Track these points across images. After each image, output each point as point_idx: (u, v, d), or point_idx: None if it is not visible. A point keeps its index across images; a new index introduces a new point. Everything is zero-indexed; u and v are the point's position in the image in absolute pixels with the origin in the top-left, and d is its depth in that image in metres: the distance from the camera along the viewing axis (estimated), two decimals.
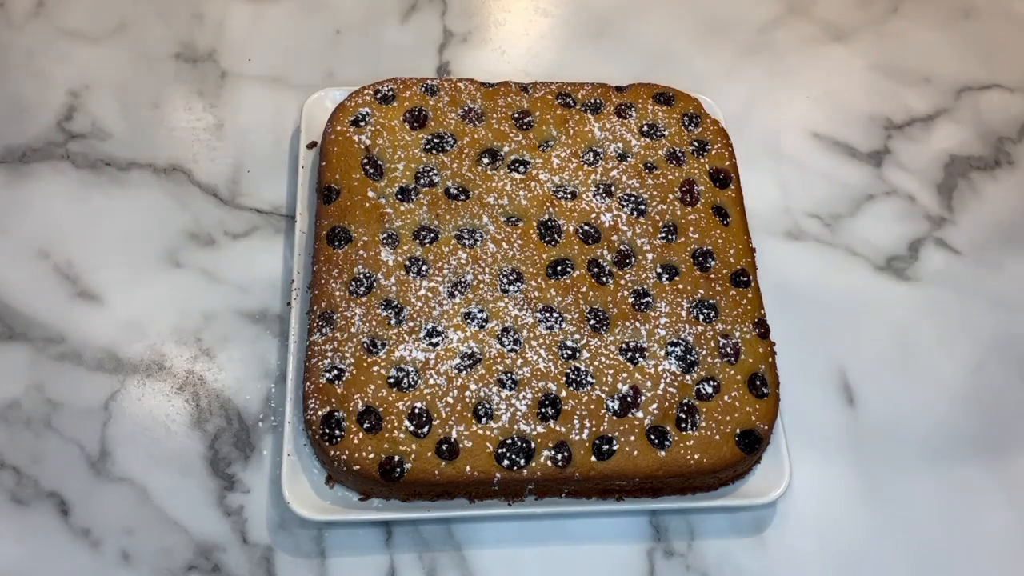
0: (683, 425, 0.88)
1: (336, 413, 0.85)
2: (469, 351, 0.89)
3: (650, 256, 0.96)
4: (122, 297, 0.98)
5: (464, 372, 0.88)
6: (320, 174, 0.99)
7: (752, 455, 0.88)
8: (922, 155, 1.18)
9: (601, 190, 1.00)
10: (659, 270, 0.95)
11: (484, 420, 0.86)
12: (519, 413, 0.86)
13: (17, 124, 1.08)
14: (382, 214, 0.96)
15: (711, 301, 0.94)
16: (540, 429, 0.86)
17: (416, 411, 0.86)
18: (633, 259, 0.96)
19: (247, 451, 0.92)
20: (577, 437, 0.86)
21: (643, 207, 0.99)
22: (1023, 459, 0.98)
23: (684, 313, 0.93)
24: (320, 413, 0.86)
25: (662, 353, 0.91)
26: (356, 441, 0.84)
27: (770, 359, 0.92)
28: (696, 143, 1.04)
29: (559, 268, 0.95)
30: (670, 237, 0.97)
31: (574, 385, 0.88)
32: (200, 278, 1.00)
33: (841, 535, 0.93)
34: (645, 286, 0.94)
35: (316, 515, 0.85)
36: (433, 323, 0.90)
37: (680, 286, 0.94)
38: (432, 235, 0.95)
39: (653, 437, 0.87)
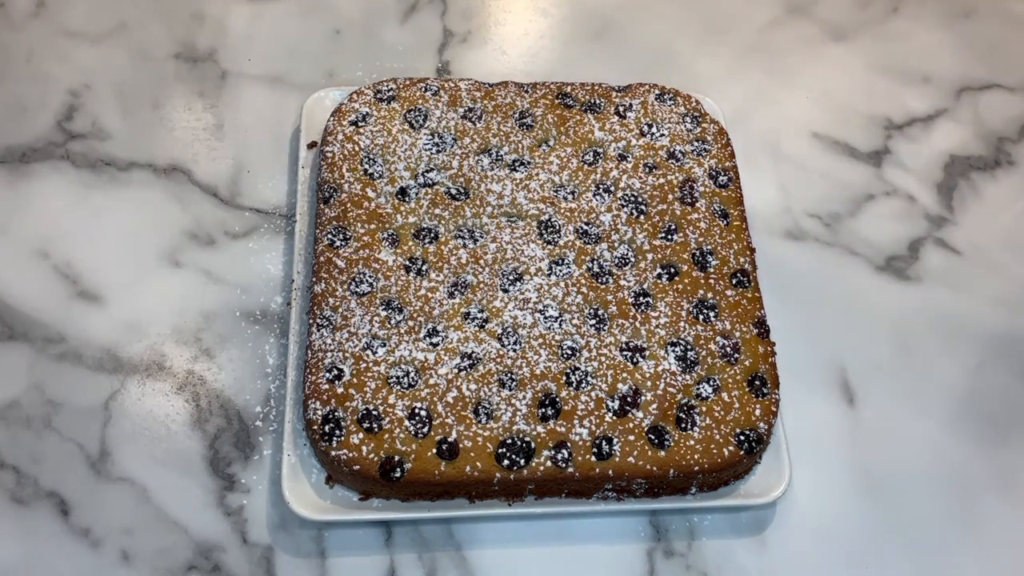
0: (683, 425, 0.88)
1: (336, 413, 0.85)
2: (469, 351, 0.89)
3: (650, 256, 0.96)
4: (122, 297, 0.98)
5: (464, 372, 0.88)
6: (320, 174, 0.99)
7: (752, 455, 0.88)
8: (922, 155, 1.18)
9: (601, 190, 1.00)
10: (659, 270, 0.95)
11: (484, 420, 0.86)
12: (519, 413, 0.86)
13: (17, 124, 1.08)
14: (382, 214, 0.96)
15: (711, 301, 0.94)
16: (540, 429, 0.86)
17: (416, 411, 0.86)
18: (633, 259, 0.96)
19: (247, 451, 0.92)
20: (577, 437, 0.86)
21: (643, 207, 0.99)
22: (1023, 459, 0.98)
23: (684, 313, 0.93)
24: (320, 413, 0.86)
25: (662, 353, 0.91)
26: (356, 441, 0.84)
27: (770, 359, 0.92)
28: (696, 143, 1.04)
29: (559, 268, 0.95)
30: (670, 237, 0.97)
31: (574, 385, 0.88)
32: (200, 278, 1.00)
33: (841, 535, 0.93)
34: (645, 286, 0.94)
35: (316, 515, 0.85)
36: (433, 323, 0.90)
37: (680, 286, 0.94)
38: (432, 235, 0.96)
39: (653, 437, 0.87)
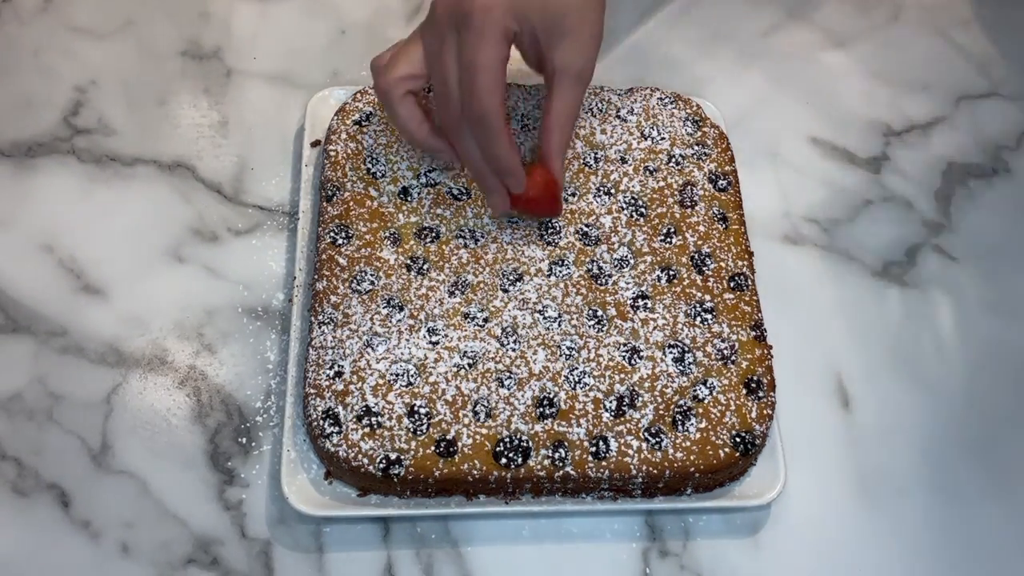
0: (679, 426, 0.88)
1: (335, 410, 0.86)
2: (469, 350, 0.90)
3: (649, 258, 0.97)
4: (125, 291, 0.99)
5: (463, 371, 0.89)
6: (323, 172, 1.00)
7: (747, 457, 0.89)
8: (920, 162, 1.18)
9: (601, 192, 1.00)
10: (658, 272, 0.96)
11: (483, 419, 0.87)
12: (517, 412, 0.87)
13: (23, 119, 1.09)
14: (384, 213, 0.97)
15: (709, 304, 0.95)
16: (538, 428, 0.87)
17: (415, 409, 0.86)
18: (632, 261, 0.97)
19: (247, 446, 0.92)
20: (575, 437, 0.87)
21: (643, 210, 1.00)
22: (1017, 465, 0.99)
23: (682, 315, 0.94)
24: (320, 410, 0.86)
25: (659, 355, 0.91)
26: (355, 438, 0.85)
27: (767, 362, 0.93)
28: (696, 147, 1.05)
29: (559, 269, 0.95)
30: (669, 240, 0.98)
31: (572, 385, 0.89)
32: (203, 274, 1.01)
33: (835, 538, 0.93)
34: (643, 288, 0.95)
35: (314, 510, 0.86)
36: (433, 322, 0.91)
37: (678, 288, 0.95)
38: (433, 234, 0.96)
39: (649, 437, 0.87)
